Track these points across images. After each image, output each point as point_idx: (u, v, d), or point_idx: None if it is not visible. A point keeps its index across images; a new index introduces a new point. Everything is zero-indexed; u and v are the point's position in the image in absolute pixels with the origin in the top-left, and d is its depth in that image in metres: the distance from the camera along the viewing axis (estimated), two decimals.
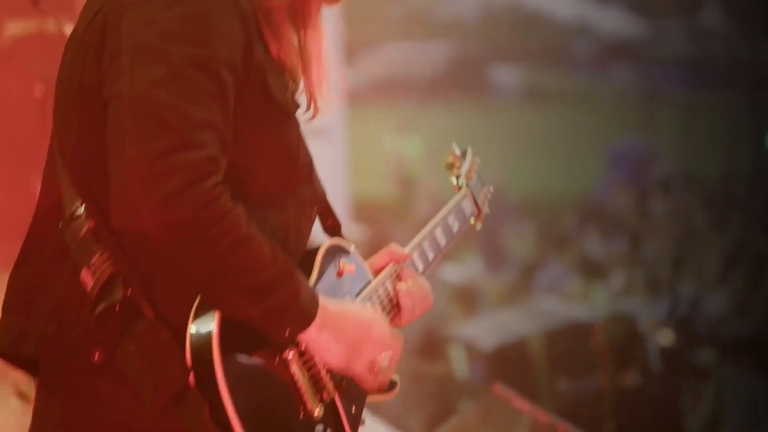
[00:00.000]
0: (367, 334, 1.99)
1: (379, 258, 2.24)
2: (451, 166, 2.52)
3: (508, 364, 6.22)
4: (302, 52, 2.03)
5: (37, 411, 2.03)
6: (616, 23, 18.79)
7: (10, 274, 2.04)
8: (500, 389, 4.01)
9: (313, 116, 2.10)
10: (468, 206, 2.51)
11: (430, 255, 2.33)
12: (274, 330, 1.90)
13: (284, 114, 2.01)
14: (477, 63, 19.02)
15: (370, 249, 2.36)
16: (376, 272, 2.21)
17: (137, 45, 1.85)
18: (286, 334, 1.90)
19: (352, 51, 12.58)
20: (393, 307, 2.20)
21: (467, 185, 2.51)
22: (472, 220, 2.52)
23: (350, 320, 1.98)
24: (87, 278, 1.91)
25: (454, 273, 8.25)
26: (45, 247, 1.98)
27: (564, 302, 7.99)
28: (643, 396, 5.19)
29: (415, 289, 2.22)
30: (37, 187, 2.07)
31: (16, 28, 5.30)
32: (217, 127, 1.85)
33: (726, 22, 17.16)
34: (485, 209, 2.55)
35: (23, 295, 1.99)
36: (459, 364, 6.67)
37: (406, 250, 2.26)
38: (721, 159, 14.87)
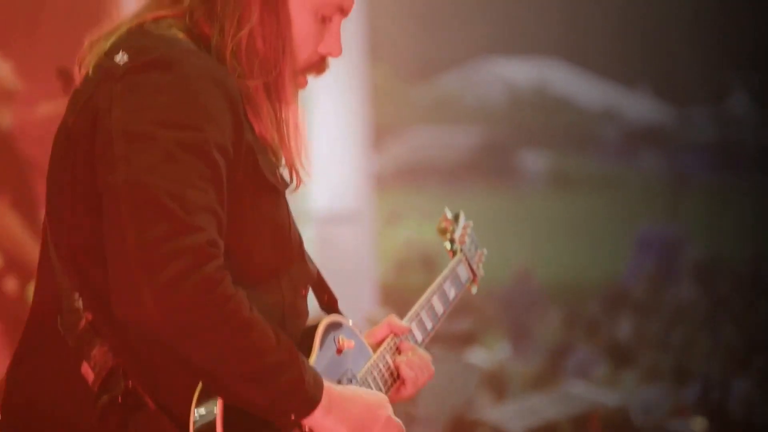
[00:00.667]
0: (374, 417, 1.97)
1: (378, 330, 2.22)
2: (444, 231, 2.52)
3: None
4: (279, 126, 2.02)
5: None
6: (643, 109, 18.86)
7: (8, 372, 2.02)
8: None
9: (297, 188, 2.10)
10: (463, 271, 2.50)
11: (429, 324, 2.32)
12: (279, 415, 1.88)
13: (275, 193, 2.01)
14: (504, 148, 19.08)
15: None
16: (377, 344, 2.19)
17: (129, 132, 1.85)
18: (291, 419, 1.88)
19: (379, 136, 12.66)
20: (395, 381, 2.18)
21: (461, 250, 2.50)
22: (469, 285, 2.52)
23: (357, 403, 1.96)
24: (87, 372, 1.89)
25: (482, 357, 8.22)
26: (44, 343, 1.97)
27: (592, 387, 7.93)
28: None
29: (415, 360, 2.21)
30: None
31: (47, 108, 5.38)
32: (213, 210, 1.85)
33: (753, 109, 17.19)
34: (480, 272, 2.55)
35: (24, 393, 1.97)
36: None
37: (405, 321, 2.25)
38: (749, 243, 14.81)
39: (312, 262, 2.13)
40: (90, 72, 1.96)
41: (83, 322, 1.90)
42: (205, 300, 1.79)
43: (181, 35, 1.95)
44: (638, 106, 18.97)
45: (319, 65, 2.07)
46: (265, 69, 1.98)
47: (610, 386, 8.06)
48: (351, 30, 5.76)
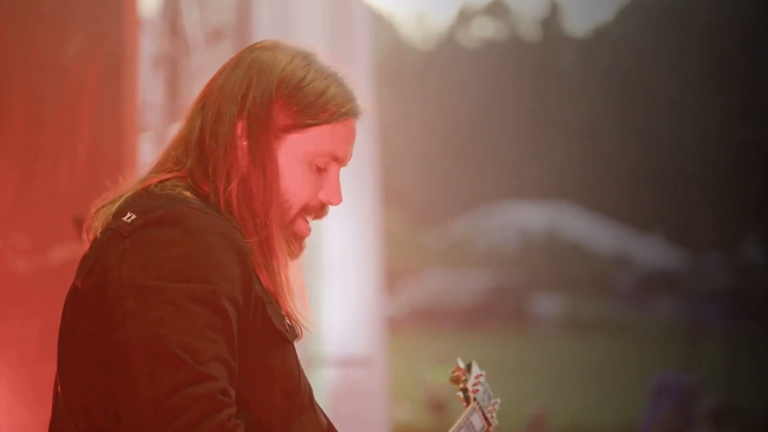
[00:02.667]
0: None
1: None
2: (456, 380, 2.51)
3: None
4: (274, 279, 2.04)
5: None
6: (656, 255, 18.89)
7: None
8: None
9: (300, 337, 2.10)
10: (477, 420, 2.48)
11: None
12: None
13: (284, 342, 2.01)
14: (517, 292, 19.08)
15: None
16: None
17: (139, 287, 1.87)
18: None
19: (393, 280, 12.69)
20: None
21: (474, 399, 2.50)
22: None
23: None
24: None
25: None
26: None
27: None
28: None
29: None
30: None
31: (61, 251, 5.40)
32: (224, 360, 1.85)
33: (766, 256, 17.21)
34: (494, 422, 2.53)
35: None
36: None
37: None
38: (765, 392, 14.68)
39: (322, 413, 2.13)
40: (98, 235, 2.00)
41: None
42: None
43: (187, 193, 1.98)
44: (651, 252, 19.00)
45: (318, 210, 2.09)
46: (257, 224, 2.01)
47: None
48: (364, 176, 5.82)
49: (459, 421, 2.36)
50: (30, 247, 4.57)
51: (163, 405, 1.79)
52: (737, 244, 17.34)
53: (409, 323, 14.88)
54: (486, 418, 2.46)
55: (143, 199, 1.99)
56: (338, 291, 6.48)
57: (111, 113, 4.24)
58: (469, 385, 2.45)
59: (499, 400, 2.50)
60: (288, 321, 2.02)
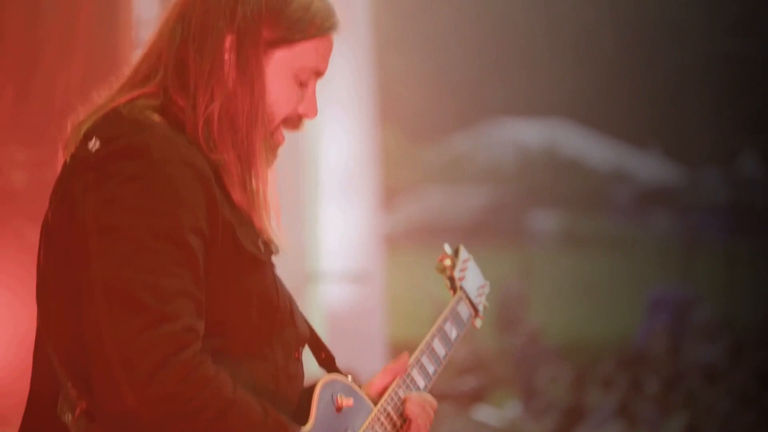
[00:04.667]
0: None
1: (378, 379, 2.22)
2: (443, 269, 2.51)
3: None
4: (249, 196, 2.03)
5: None
6: (653, 170, 18.89)
7: None
8: None
9: (275, 254, 2.11)
10: (464, 309, 2.47)
11: (431, 368, 2.30)
12: None
13: (257, 263, 2.02)
14: (515, 208, 19.09)
15: None
16: (379, 393, 2.19)
17: (102, 226, 1.88)
18: None
19: (390, 196, 12.71)
20: (404, 422, 2.16)
21: (461, 287, 2.48)
22: (472, 321, 2.48)
23: None
24: None
25: (493, 416, 8.18)
26: (44, 430, 1.99)
27: None
28: None
29: (417, 398, 2.20)
30: None
31: (58, 166, 5.38)
32: (190, 294, 1.87)
33: (763, 170, 17.21)
34: (481, 306, 2.52)
35: None
36: None
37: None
38: (762, 305, 14.78)
39: (305, 322, 2.14)
40: (68, 160, 2.00)
41: (78, 411, 1.93)
42: (183, 387, 1.81)
43: (155, 117, 1.97)
44: (649, 167, 19.01)
45: (296, 122, 2.10)
46: (238, 140, 2.00)
47: None
48: (361, 93, 5.80)
49: (445, 312, 2.36)
50: (27, 161, 4.57)
51: (127, 350, 1.80)
52: (735, 159, 17.34)
53: (407, 240, 14.92)
54: (473, 305, 2.44)
55: (110, 122, 1.99)
56: (336, 208, 6.50)
57: (106, 29, 4.22)
58: (456, 273, 2.44)
59: (488, 283, 2.49)
60: (262, 239, 2.02)
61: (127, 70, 2.06)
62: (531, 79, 18.20)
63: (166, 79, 1.99)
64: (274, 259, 2.08)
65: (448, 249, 2.50)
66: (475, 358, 12.23)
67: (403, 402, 2.18)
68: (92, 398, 1.89)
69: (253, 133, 2.01)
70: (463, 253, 2.53)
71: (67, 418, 1.94)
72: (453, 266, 2.49)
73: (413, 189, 17.44)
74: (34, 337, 2.05)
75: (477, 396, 7.90)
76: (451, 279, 2.47)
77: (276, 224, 2.07)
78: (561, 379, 11.67)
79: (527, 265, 15.62)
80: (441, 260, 2.50)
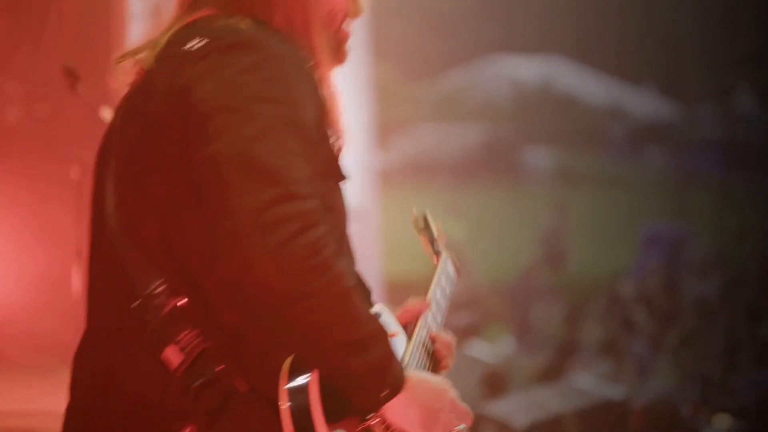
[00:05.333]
0: (442, 400, 1.98)
1: (400, 318, 2.25)
2: (422, 231, 2.53)
3: None
4: (330, 94, 2.05)
5: None
6: (648, 106, 18.86)
7: (74, 363, 2.02)
8: None
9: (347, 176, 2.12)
10: (450, 267, 2.52)
11: (438, 318, 2.34)
12: (372, 388, 1.87)
13: (341, 179, 2.04)
14: (509, 145, 19.07)
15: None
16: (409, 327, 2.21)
17: (227, 107, 1.84)
18: (382, 395, 1.87)
19: (385, 133, 12.69)
20: (431, 359, 2.19)
21: (443, 248, 2.52)
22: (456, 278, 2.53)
23: (425, 386, 1.96)
24: (173, 356, 1.89)
25: (487, 352, 8.24)
26: (119, 329, 1.96)
27: (598, 381, 7.96)
28: None
29: (445, 339, 2.25)
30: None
31: (51, 100, 5.33)
32: (314, 182, 1.86)
33: (759, 106, 17.19)
34: (458, 263, 2.57)
35: (98, 379, 1.96)
36: None
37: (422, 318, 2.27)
38: (755, 242, 14.83)
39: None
40: (154, 64, 1.96)
41: (169, 308, 1.89)
42: (311, 264, 1.79)
43: (245, 22, 1.94)
44: (644, 104, 18.98)
45: (355, 9, 2.12)
46: (309, 45, 2.01)
47: (614, 380, 8.09)
48: (355, 29, 5.79)
49: (439, 270, 2.38)
50: (21, 95, 4.55)
51: (261, 218, 1.78)
52: (729, 95, 17.32)
53: (401, 177, 14.92)
54: (455, 264, 2.49)
55: (208, 25, 1.98)
56: None
57: None
58: (436, 235, 2.47)
59: (446, 233, 2.53)
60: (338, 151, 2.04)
61: (171, 5, 2.05)
62: (526, 15, 18.10)
63: (222, 2, 1.99)
64: None
65: (417, 214, 2.51)
66: (470, 294, 12.29)
67: (432, 340, 2.22)
68: (194, 294, 1.88)
69: (314, 33, 2.01)
70: (430, 218, 2.56)
71: (150, 315, 1.90)
72: (429, 229, 2.52)
73: (407, 126, 17.41)
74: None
75: (471, 331, 7.95)
76: (433, 241, 2.51)
77: (344, 137, 2.09)
78: (555, 315, 11.75)
79: (562, 200, 15.65)
80: (419, 222, 2.53)
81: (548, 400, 6.66)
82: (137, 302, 1.92)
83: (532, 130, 18.81)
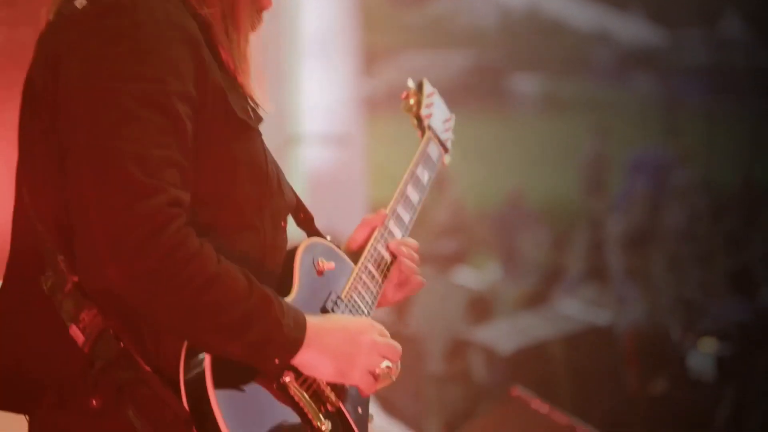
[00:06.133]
0: (357, 344, 1.96)
1: (358, 234, 2.21)
2: (409, 108, 2.44)
3: (527, 368, 6.21)
4: (237, 51, 2.01)
5: None
6: (635, 31, 18.78)
7: None
8: (519, 391, 4.03)
9: (261, 121, 2.07)
10: (434, 149, 2.43)
11: (407, 218, 2.28)
12: (261, 362, 1.88)
13: (248, 129, 1.98)
14: (496, 71, 19.00)
15: None
16: (360, 248, 2.18)
17: (89, 88, 1.84)
18: (276, 363, 1.89)
19: (371, 60, 12.63)
20: (388, 267, 2.15)
21: (429, 127, 2.42)
22: (442, 160, 2.44)
23: (337, 334, 1.95)
24: (77, 334, 1.89)
25: (473, 278, 8.27)
26: (28, 303, 1.96)
27: (583, 307, 8.00)
28: (675, 403, 5.09)
29: (400, 240, 2.21)
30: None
31: (36, 24, 5.29)
32: (176, 163, 1.84)
33: (746, 31, 17.13)
34: (449, 142, 2.47)
35: (9, 352, 1.96)
36: (477, 368, 6.68)
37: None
38: (742, 167, 14.85)
39: (291, 190, 2.12)
40: (52, 17, 1.95)
41: (70, 285, 1.90)
42: (167, 263, 1.80)
43: None
44: (630, 29, 18.89)
45: None
46: None
47: (599, 306, 8.14)
48: None
49: (416, 156, 2.33)
50: (2, 19, 4.51)
51: (111, 224, 1.80)
52: (716, 20, 17.24)
53: (388, 103, 14.86)
54: (442, 143, 2.41)
55: None
56: (317, 71, 6.46)
57: None
58: (422, 112, 2.39)
59: (453, 116, 2.43)
60: (251, 104, 2.00)
61: None
62: None
63: None
64: None
65: (411, 84, 2.42)
66: (456, 220, 12.30)
67: (393, 254, 2.18)
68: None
69: None
70: (428, 87, 2.45)
71: (54, 291, 1.91)
72: (419, 103, 2.41)
73: (393, 52, 17.31)
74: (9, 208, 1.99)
75: (457, 258, 7.96)
76: (418, 118, 2.40)
77: (260, 90, 2.04)
78: (541, 241, 11.78)
79: (605, 125, 15.60)
80: (405, 98, 2.42)
81: (534, 327, 6.69)
82: (44, 276, 1.92)
83: (519, 56, 18.73)
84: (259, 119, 2.02)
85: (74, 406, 1.89)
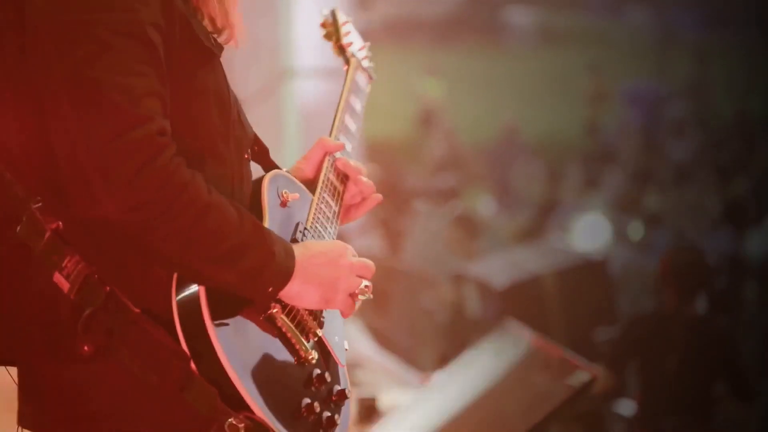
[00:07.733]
0: (337, 268, 1.95)
1: (313, 153, 2.19)
2: (330, 36, 2.40)
3: (520, 301, 6.23)
4: None
5: (22, 410, 1.98)
6: None
7: None
8: (512, 324, 4.05)
9: (225, 43, 2.04)
10: (361, 77, 2.42)
11: (349, 147, 2.27)
12: (255, 291, 1.87)
13: (212, 57, 1.95)
14: (491, 4, 18.94)
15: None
16: (316, 169, 2.15)
17: (60, 22, 1.79)
18: (269, 291, 1.88)
19: None
20: (341, 195, 2.13)
21: (353, 55, 2.39)
22: (368, 89, 2.41)
23: (318, 259, 1.94)
24: (61, 282, 1.86)
25: (465, 210, 8.28)
26: (5, 254, 1.92)
27: (575, 241, 8.02)
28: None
29: (349, 161, 2.18)
30: None
31: None
32: (157, 92, 1.81)
33: None
34: (372, 68, 2.44)
35: None
36: (471, 301, 6.70)
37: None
38: (736, 100, 14.84)
39: (247, 122, 2.10)
40: None
41: (49, 233, 1.86)
42: (162, 193, 1.77)
43: None
44: None
45: None
46: None
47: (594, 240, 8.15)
48: None
49: (346, 85, 2.29)
50: None
51: (103, 154, 1.75)
52: None
53: (382, 37, 14.80)
54: (366, 71, 2.38)
55: None
56: (311, 4, 6.42)
57: None
58: (344, 40, 2.35)
59: (368, 43, 2.40)
60: (213, 35, 1.97)
61: None
62: None
63: None
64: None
65: (326, 13, 2.37)
66: (451, 155, 12.29)
67: (342, 181, 2.16)
68: (67, 215, 1.83)
69: None
70: (341, 16, 2.41)
71: (32, 240, 1.86)
72: (338, 32, 2.37)
73: None
74: None
75: (453, 193, 7.97)
76: (341, 48, 2.37)
77: (236, 17, 2.01)
78: (535, 175, 11.78)
79: (599, 59, 15.48)
80: (322, 26, 2.38)
81: (528, 261, 6.70)
82: (19, 227, 1.88)
83: None
84: (220, 48, 2.00)
85: (65, 353, 1.87)
